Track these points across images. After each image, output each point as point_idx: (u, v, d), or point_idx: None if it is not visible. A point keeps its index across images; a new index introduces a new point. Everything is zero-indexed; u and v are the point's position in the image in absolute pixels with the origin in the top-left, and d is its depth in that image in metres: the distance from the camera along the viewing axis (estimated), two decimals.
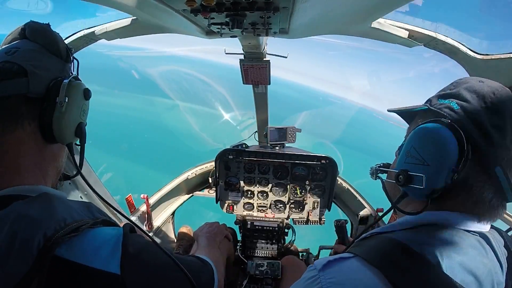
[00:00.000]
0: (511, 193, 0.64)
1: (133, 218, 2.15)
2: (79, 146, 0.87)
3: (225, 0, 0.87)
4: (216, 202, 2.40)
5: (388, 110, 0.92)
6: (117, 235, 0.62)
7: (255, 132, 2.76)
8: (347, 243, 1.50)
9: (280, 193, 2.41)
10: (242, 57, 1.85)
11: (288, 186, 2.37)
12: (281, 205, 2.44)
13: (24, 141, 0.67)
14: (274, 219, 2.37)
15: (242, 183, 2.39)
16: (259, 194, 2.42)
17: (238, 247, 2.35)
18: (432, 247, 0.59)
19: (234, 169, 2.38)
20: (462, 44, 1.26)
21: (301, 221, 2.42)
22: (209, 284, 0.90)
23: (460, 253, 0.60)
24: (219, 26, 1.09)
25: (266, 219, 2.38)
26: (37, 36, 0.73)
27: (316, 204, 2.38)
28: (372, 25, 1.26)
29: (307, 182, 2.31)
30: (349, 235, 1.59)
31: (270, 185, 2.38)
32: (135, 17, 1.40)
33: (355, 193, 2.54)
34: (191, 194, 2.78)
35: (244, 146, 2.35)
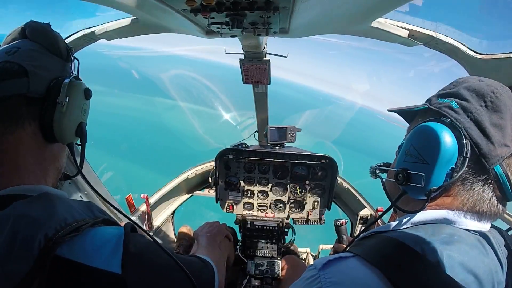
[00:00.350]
0: (511, 192, 0.64)
1: (133, 218, 2.15)
2: (79, 146, 0.87)
3: (225, 0, 0.87)
4: (216, 202, 2.40)
5: (389, 110, 0.93)
6: (118, 235, 0.62)
7: (255, 131, 2.76)
8: (347, 243, 1.50)
9: (280, 192, 2.41)
10: (242, 56, 1.85)
11: (288, 186, 2.37)
12: (281, 205, 2.44)
13: (25, 141, 0.67)
14: (274, 219, 2.37)
15: (242, 182, 2.39)
16: (259, 194, 2.42)
17: (238, 246, 2.35)
18: (432, 247, 0.59)
19: (234, 169, 2.38)
20: (462, 44, 1.26)
21: (301, 220, 2.42)
22: (210, 284, 0.90)
23: (460, 252, 0.60)
24: (219, 26, 1.09)
25: (266, 218, 2.38)
26: (37, 36, 0.73)
27: (316, 203, 2.38)
28: (372, 25, 1.26)
29: (307, 182, 2.31)
30: (349, 235, 1.59)
31: (270, 185, 2.38)
32: (135, 17, 1.40)
33: (355, 192, 2.54)
34: (191, 194, 2.78)
35: (244, 145, 2.35)
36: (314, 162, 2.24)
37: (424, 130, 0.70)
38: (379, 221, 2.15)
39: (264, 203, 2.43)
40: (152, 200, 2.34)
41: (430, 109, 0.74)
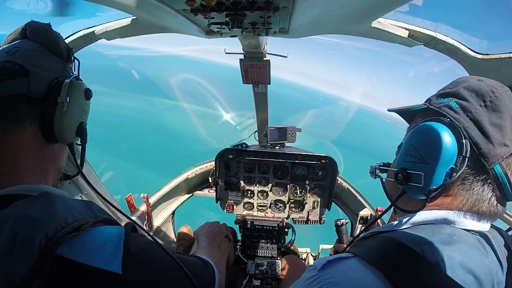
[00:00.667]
0: (511, 191, 0.64)
1: (133, 218, 2.14)
2: (79, 146, 0.87)
3: (225, 0, 0.87)
4: (216, 202, 2.40)
5: (389, 110, 0.93)
6: (119, 234, 0.62)
7: (255, 131, 2.76)
8: (347, 243, 1.50)
9: (280, 192, 2.41)
10: (242, 56, 1.85)
11: (288, 186, 2.37)
12: (281, 205, 2.44)
13: (25, 140, 0.67)
14: (274, 219, 2.37)
15: (242, 182, 2.39)
16: (259, 194, 2.42)
17: (238, 246, 2.35)
18: (432, 247, 0.59)
19: (234, 169, 2.38)
20: (462, 44, 1.26)
21: (301, 220, 2.42)
22: (210, 285, 0.90)
23: (460, 252, 0.60)
24: (219, 26, 1.09)
25: (266, 218, 2.38)
26: (38, 36, 0.73)
27: (316, 203, 2.38)
28: (372, 25, 1.26)
29: (307, 182, 2.31)
30: (349, 235, 1.59)
31: (270, 185, 2.38)
32: (135, 17, 1.40)
33: (355, 192, 2.54)
34: (191, 194, 2.78)
35: (244, 145, 2.35)
36: (314, 162, 2.24)
37: (423, 129, 0.70)
38: (379, 221, 2.15)
39: (264, 203, 2.43)
40: (152, 200, 2.34)
41: (429, 109, 0.74)
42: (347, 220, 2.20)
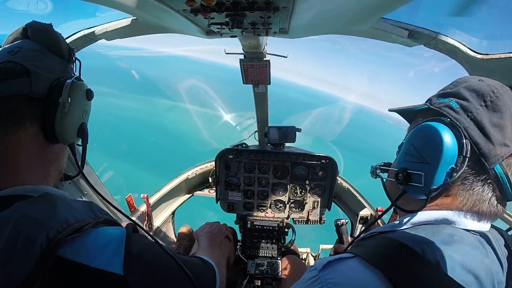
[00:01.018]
0: (511, 191, 0.64)
1: (133, 218, 2.14)
2: (80, 146, 0.87)
3: (225, 0, 0.87)
4: (216, 202, 2.40)
5: (389, 110, 0.93)
6: (120, 236, 0.62)
7: (255, 131, 2.76)
8: (347, 243, 1.50)
9: (280, 192, 2.41)
10: (242, 57, 1.85)
11: (288, 186, 2.37)
12: (281, 205, 2.44)
13: (26, 141, 0.67)
14: (274, 219, 2.37)
15: (242, 182, 2.39)
16: (259, 194, 2.42)
17: (238, 246, 2.35)
18: (433, 247, 0.59)
19: (234, 169, 2.38)
20: (462, 44, 1.26)
21: (301, 220, 2.43)
22: (211, 285, 0.90)
23: (460, 253, 0.60)
24: (219, 26, 1.09)
25: (266, 218, 2.39)
26: (39, 36, 0.73)
27: (316, 203, 2.38)
28: (372, 25, 1.26)
29: (307, 182, 2.31)
30: (349, 235, 1.59)
31: (270, 185, 2.38)
32: (135, 17, 1.40)
33: (355, 192, 2.54)
34: (191, 194, 2.78)
35: (244, 145, 2.35)
36: (314, 162, 2.24)
37: (424, 129, 0.70)
38: (379, 221, 2.16)
39: (264, 203, 2.44)
40: (152, 200, 2.34)
41: (430, 109, 0.74)
42: (347, 220, 2.20)
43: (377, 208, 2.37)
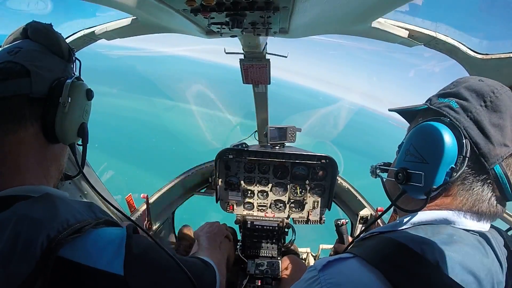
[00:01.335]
0: (510, 191, 0.64)
1: (133, 218, 2.14)
2: (81, 146, 0.87)
3: (225, 0, 0.87)
4: (216, 202, 2.40)
5: (389, 110, 0.93)
6: (121, 236, 0.62)
7: (255, 131, 2.76)
8: (347, 243, 1.50)
9: (280, 192, 2.41)
10: (242, 56, 1.85)
11: (288, 186, 2.37)
12: (281, 205, 2.44)
13: (27, 141, 0.67)
14: (274, 219, 2.37)
15: (242, 182, 2.39)
16: (259, 194, 2.42)
17: (238, 246, 2.35)
18: (432, 247, 0.59)
19: (234, 169, 2.38)
20: (462, 44, 1.26)
21: (301, 220, 2.43)
22: (211, 286, 0.90)
23: (460, 253, 0.60)
24: (219, 26, 1.09)
25: (266, 218, 2.38)
26: (39, 36, 0.73)
27: (316, 203, 2.38)
28: (372, 25, 1.26)
29: (307, 182, 2.31)
30: (349, 235, 1.59)
31: (270, 185, 2.38)
32: (135, 17, 1.40)
33: (355, 192, 2.54)
34: (191, 194, 2.78)
35: (244, 145, 2.35)
36: (314, 162, 2.24)
37: (424, 129, 0.70)
38: (379, 221, 2.15)
39: (264, 203, 2.44)
40: (152, 200, 2.34)
41: (430, 109, 0.74)
42: (347, 220, 2.20)
43: (377, 208, 2.37)
